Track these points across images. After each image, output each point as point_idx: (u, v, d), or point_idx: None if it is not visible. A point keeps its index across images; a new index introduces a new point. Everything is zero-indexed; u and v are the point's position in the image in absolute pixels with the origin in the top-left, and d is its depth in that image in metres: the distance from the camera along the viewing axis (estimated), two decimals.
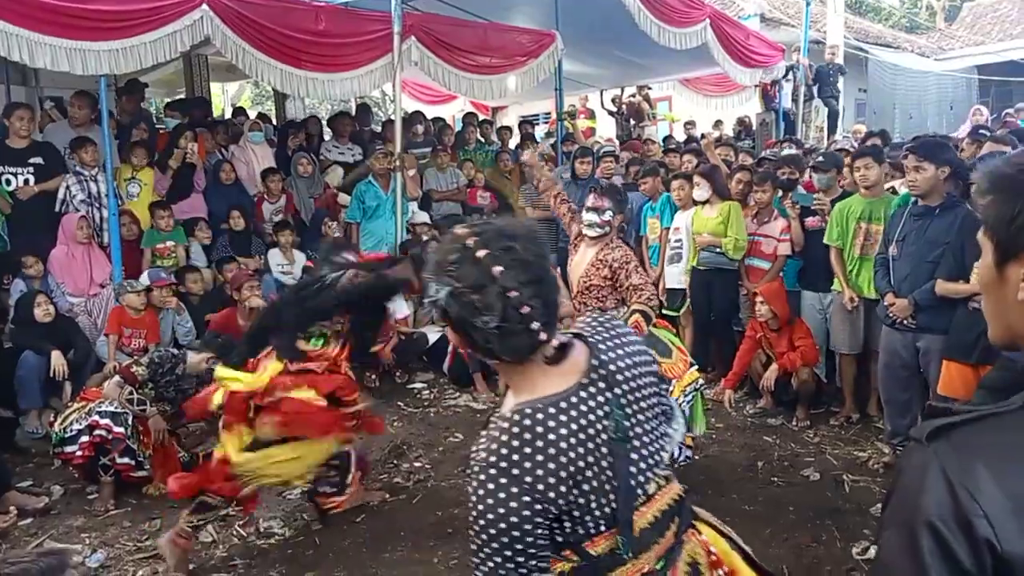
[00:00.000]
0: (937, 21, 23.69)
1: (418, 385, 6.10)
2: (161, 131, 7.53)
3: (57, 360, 4.92)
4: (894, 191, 5.13)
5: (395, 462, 4.65)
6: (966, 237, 3.82)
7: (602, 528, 1.27)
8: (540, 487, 1.21)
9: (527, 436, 1.24)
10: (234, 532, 3.79)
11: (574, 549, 1.28)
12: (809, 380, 4.95)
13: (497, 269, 1.22)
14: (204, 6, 5.59)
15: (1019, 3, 19.36)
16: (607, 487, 1.26)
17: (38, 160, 5.80)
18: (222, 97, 15.66)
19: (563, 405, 1.27)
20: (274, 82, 6.37)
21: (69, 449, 4.09)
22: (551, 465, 1.22)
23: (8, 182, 5.72)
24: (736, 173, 5.94)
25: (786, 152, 7.27)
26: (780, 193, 5.54)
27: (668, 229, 5.95)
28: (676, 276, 5.83)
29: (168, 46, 5.55)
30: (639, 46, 8.52)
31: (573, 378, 1.30)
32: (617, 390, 1.31)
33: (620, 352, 1.36)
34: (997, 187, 0.95)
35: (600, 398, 1.29)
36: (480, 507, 1.22)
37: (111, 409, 4.07)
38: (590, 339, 1.36)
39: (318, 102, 16.45)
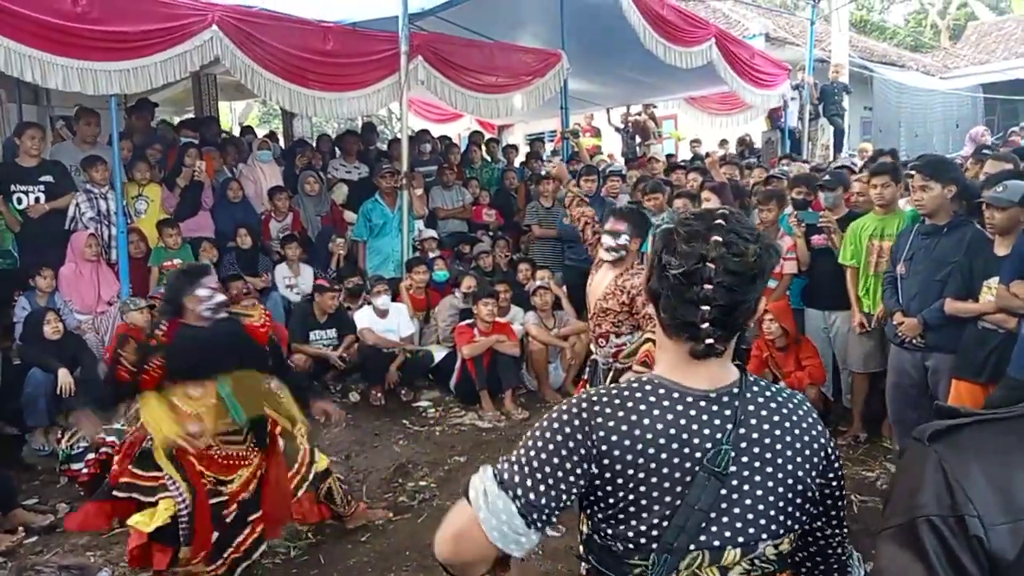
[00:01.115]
0: (942, 40, 23.77)
1: (424, 403, 6.09)
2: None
3: (64, 378, 4.93)
4: None
5: (400, 481, 4.64)
6: (974, 256, 3.82)
7: (642, 541, 1.23)
8: (601, 439, 1.22)
9: (629, 400, 1.25)
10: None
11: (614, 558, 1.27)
12: (816, 400, 4.93)
13: (714, 244, 1.22)
14: (214, 27, 5.66)
15: (1023, 22, 19.44)
16: (667, 511, 1.21)
17: (48, 178, 5.85)
18: (230, 115, 15.78)
19: (677, 395, 1.25)
20: (282, 101, 6.43)
21: (75, 466, 4.10)
22: (624, 439, 1.22)
23: (19, 200, 5.76)
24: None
25: (794, 169, 7.28)
26: (790, 210, 5.53)
27: None
28: None
29: (178, 66, 5.62)
30: (645, 65, 8.58)
31: (706, 384, 1.27)
32: (743, 430, 1.24)
33: (774, 410, 1.28)
34: None
35: (717, 421, 1.23)
36: (554, 413, 1.29)
37: (118, 427, 4.07)
38: (751, 377, 1.31)
39: (325, 120, 16.58)
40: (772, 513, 1.24)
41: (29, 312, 5.32)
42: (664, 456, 1.21)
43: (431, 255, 7.14)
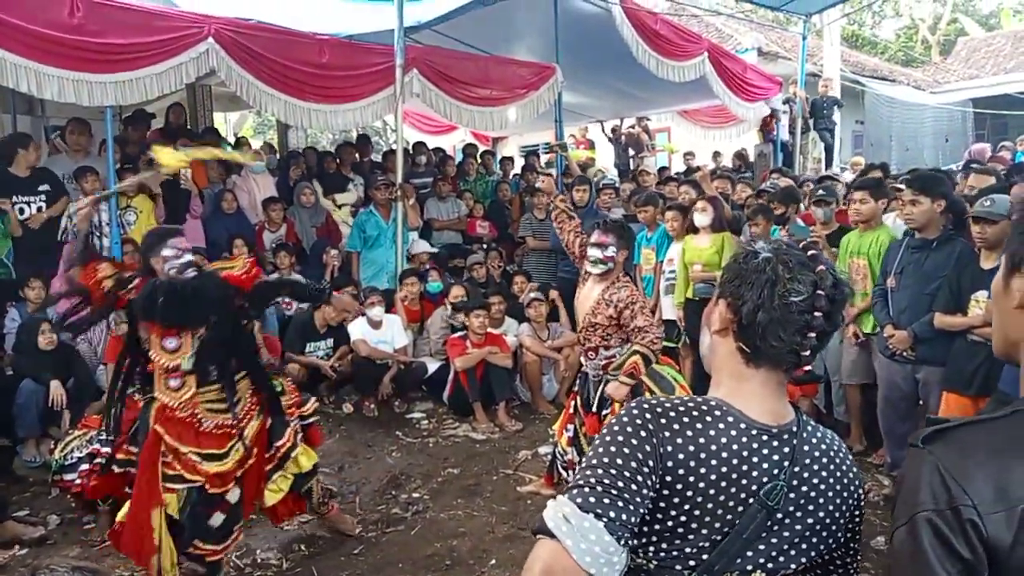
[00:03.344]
0: (932, 55, 23.99)
1: (417, 415, 6.09)
2: None
3: (55, 390, 4.91)
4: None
5: (393, 492, 4.63)
6: (963, 270, 3.86)
7: (677, 566, 1.24)
8: (667, 455, 1.20)
9: (698, 422, 1.23)
10: (230, 563, 3.76)
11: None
12: (809, 412, 4.94)
13: (821, 273, 1.24)
14: (210, 39, 5.69)
15: (1012, 38, 19.66)
16: (715, 535, 1.23)
17: (46, 187, 5.88)
18: (225, 126, 15.79)
19: (744, 426, 1.25)
20: (278, 113, 6.46)
21: (68, 477, 4.07)
22: (690, 460, 1.21)
23: (22, 211, 5.78)
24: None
25: (784, 184, 7.32)
26: (780, 227, 5.57)
27: (663, 262, 5.99)
28: (673, 307, 5.85)
29: (174, 78, 5.64)
30: (638, 78, 8.65)
31: (769, 421, 1.27)
32: (797, 468, 1.26)
33: (824, 452, 1.31)
34: (1017, 210, 1.08)
35: (776, 457, 1.25)
36: (615, 425, 1.24)
37: (112, 438, 4.06)
38: (804, 417, 1.34)
39: (320, 132, 16.61)
40: (804, 547, 1.29)
41: (23, 322, 5.31)
42: (724, 484, 1.22)
43: (426, 267, 7.17)
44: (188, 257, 3.24)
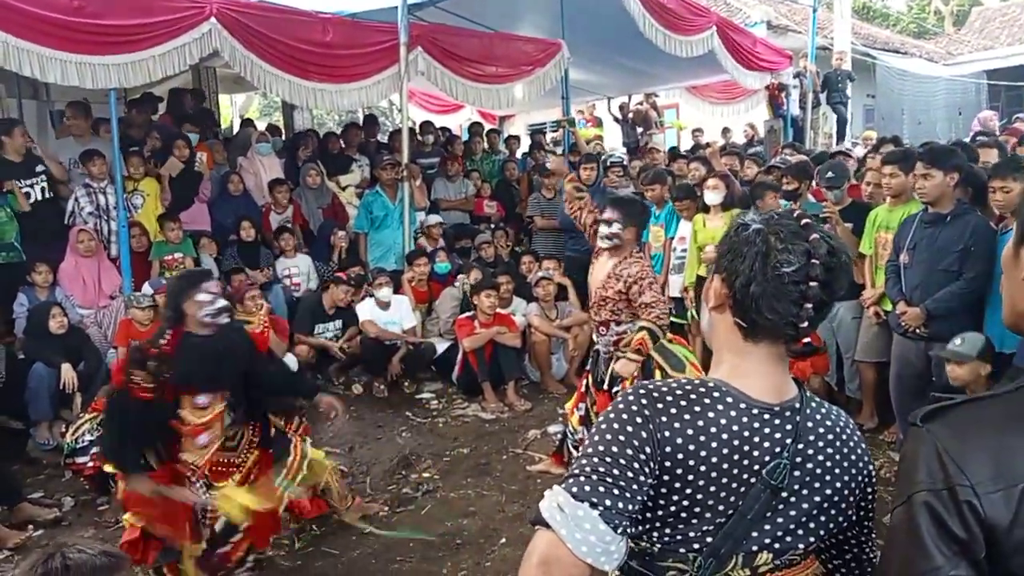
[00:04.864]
0: (945, 26, 23.64)
1: (426, 395, 6.10)
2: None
3: (67, 373, 4.94)
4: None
5: (403, 472, 4.65)
6: (977, 244, 3.80)
7: (686, 545, 1.23)
8: (665, 440, 1.18)
9: (696, 405, 1.21)
10: None
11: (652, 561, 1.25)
12: (820, 389, 4.91)
13: (815, 242, 1.21)
14: (212, 19, 5.64)
15: None
16: (719, 517, 1.22)
17: (42, 168, 5.88)
18: (230, 108, 15.73)
19: (744, 406, 1.22)
20: (282, 93, 6.41)
21: (80, 460, 4.12)
22: (689, 444, 1.18)
23: (28, 195, 5.78)
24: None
25: (796, 159, 7.22)
26: (792, 202, 5.49)
27: (672, 239, 5.94)
28: (681, 285, 5.82)
29: (177, 59, 5.61)
30: (645, 54, 8.54)
31: (771, 398, 1.25)
32: (801, 445, 1.24)
33: (829, 428, 1.28)
34: None
35: (778, 435, 1.23)
36: (611, 412, 1.22)
37: None
38: (808, 393, 1.31)
39: (326, 112, 16.54)
40: (812, 526, 1.26)
41: (34, 306, 5.33)
42: (725, 466, 1.20)
43: (439, 243, 7.16)
44: (222, 302, 3.09)
